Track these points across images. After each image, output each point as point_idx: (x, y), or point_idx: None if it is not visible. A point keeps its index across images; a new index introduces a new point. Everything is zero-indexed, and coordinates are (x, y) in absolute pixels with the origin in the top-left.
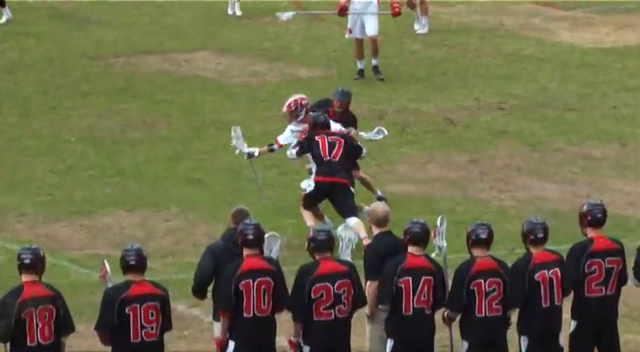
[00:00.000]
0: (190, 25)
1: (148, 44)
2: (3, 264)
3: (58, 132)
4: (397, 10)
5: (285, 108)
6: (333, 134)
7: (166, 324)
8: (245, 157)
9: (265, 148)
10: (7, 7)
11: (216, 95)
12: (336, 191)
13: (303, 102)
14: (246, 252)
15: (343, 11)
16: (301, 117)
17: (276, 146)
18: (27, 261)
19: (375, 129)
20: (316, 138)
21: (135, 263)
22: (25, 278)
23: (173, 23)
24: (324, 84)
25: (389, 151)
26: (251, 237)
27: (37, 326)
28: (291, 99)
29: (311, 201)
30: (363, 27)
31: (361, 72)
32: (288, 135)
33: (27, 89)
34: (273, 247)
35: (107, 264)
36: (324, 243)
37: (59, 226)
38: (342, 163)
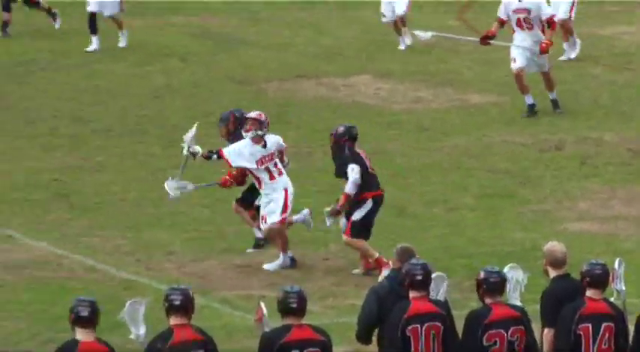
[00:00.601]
0: (349, 46)
1: (303, 67)
2: (150, 306)
3: (207, 162)
4: (544, 46)
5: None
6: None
7: None
8: (186, 151)
9: (205, 152)
10: (97, 35)
11: (377, 123)
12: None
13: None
14: (412, 294)
15: (486, 39)
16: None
17: (215, 156)
18: (177, 303)
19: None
20: (358, 150)
21: (296, 305)
22: (173, 320)
23: (330, 45)
24: (497, 111)
25: (569, 185)
26: (419, 277)
27: None
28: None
29: (369, 221)
30: (527, 58)
31: (531, 107)
32: (241, 155)
33: (173, 116)
34: (440, 288)
35: (264, 306)
36: (497, 286)
37: (209, 265)
38: None
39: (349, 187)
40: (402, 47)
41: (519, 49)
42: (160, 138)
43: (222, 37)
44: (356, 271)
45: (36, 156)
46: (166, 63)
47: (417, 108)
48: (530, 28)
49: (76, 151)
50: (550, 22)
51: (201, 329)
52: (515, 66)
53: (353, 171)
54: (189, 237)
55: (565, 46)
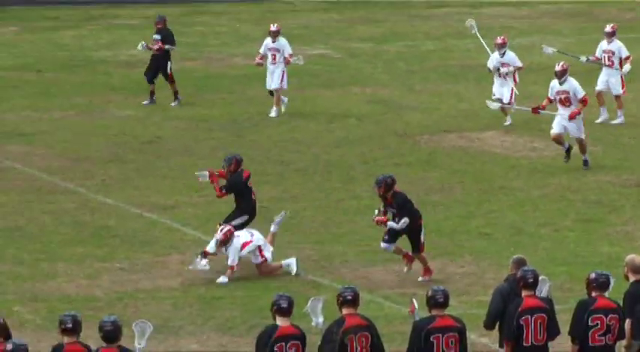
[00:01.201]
0: (481, 110)
1: (447, 125)
2: (328, 301)
3: (376, 194)
4: (572, 114)
5: (221, 236)
6: None
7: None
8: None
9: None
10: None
11: (502, 166)
12: None
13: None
14: (524, 292)
15: (536, 110)
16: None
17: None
18: (349, 298)
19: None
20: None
21: (442, 300)
22: (345, 311)
23: (468, 108)
24: (590, 158)
25: None
26: (530, 280)
27: (356, 349)
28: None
29: None
30: (563, 126)
31: (567, 151)
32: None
33: (350, 160)
34: (543, 288)
35: (415, 301)
36: (603, 284)
37: (375, 270)
38: None
39: (402, 226)
40: (509, 123)
41: (558, 119)
42: (341, 176)
43: (388, 103)
44: (421, 278)
45: None
46: (346, 121)
47: (532, 155)
48: (569, 104)
49: (279, 186)
50: (583, 100)
51: (366, 317)
52: (552, 131)
53: (405, 223)
54: (362, 249)
55: (602, 110)
